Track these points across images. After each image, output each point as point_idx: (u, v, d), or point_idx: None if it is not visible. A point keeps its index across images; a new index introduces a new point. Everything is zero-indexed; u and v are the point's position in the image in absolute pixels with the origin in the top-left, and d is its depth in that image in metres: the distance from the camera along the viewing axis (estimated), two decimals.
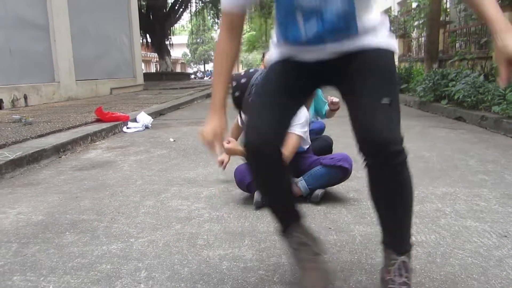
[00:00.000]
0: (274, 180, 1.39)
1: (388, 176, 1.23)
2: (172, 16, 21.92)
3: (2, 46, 7.40)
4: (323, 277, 1.41)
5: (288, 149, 2.13)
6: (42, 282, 1.56)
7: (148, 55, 33.92)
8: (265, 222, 2.12)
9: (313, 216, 2.18)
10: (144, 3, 20.73)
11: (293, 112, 1.41)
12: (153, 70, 36.83)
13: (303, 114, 2.29)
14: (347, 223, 2.08)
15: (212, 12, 24.28)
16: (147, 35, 21.69)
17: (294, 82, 1.38)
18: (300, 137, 2.30)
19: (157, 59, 24.61)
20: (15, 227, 2.13)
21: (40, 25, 8.45)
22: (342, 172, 2.37)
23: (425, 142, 4.14)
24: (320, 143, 2.95)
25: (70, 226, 2.13)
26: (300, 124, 2.26)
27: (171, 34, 23.98)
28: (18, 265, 1.71)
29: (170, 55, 23.01)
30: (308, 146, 2.53)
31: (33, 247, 1.88)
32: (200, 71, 46.15)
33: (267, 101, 1.36)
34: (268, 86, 1.41)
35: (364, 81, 1.27)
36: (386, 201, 1.29)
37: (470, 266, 1.60)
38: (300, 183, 2.36)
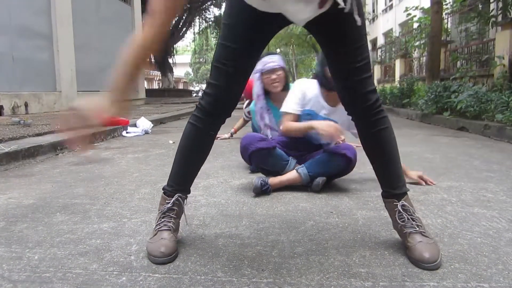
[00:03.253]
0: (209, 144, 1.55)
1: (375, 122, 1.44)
2: (176, 34, 22.16)
3: (5, 53, 7.40)
4: (168, 247, 1.40)
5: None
6: (27, 254, 1.47)
7: (151, 73, 34.22)
8: (264, 207, 2.04)
9: (314, 202, 2.10)
10: None
11: None
12: (155, 87, 37.02)
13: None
14: (349, 209, 1.99)
15: (215, 31, 24.54)
16: None
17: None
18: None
19: (160, 77, 24.78)
20: (4, 209, 2.05)
21: (44, 34, 8.47)
22: (344, 161, 2.29)
23: (428, 147, 4.07)
24: None
25: (61, 208, 2.05)
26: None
27: (174, 53, 24.19)
28: (3, 239, 1.62)
29: (173, 72, 23.15)
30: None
31: (21, 225, 1.80)
32: (202, 90, 46.35)
33: None
34: None
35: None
36: (379, 146, 1.47)
37: (480, 245, 1.51)
38: (301, 170, 2.28)
